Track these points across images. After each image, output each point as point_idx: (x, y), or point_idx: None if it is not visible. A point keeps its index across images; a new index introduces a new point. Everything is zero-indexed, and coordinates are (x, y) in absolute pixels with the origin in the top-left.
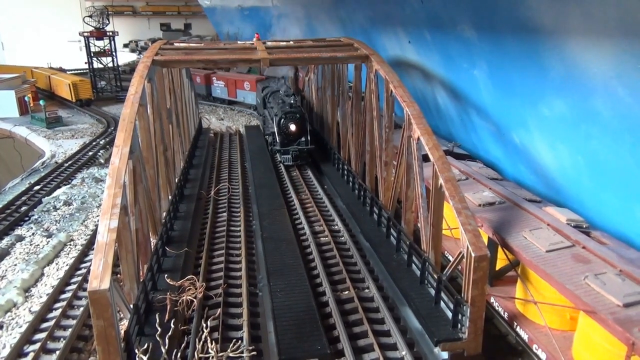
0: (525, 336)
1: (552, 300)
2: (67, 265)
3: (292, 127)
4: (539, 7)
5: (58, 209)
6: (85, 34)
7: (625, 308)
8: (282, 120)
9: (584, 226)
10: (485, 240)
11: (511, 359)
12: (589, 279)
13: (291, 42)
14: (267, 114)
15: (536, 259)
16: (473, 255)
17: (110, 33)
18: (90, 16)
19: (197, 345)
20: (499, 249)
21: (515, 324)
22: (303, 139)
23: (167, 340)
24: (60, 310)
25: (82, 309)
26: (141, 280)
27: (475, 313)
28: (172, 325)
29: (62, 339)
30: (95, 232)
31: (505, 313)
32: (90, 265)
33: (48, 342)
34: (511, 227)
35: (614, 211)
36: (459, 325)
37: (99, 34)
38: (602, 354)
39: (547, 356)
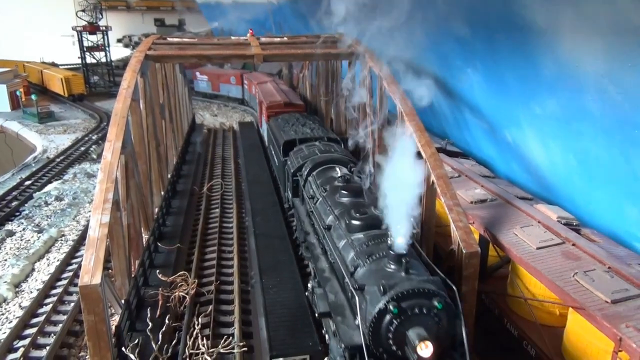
0: (515, 332)
1: (542, 297)
2: (58, 260)
3: (426, 354)
4: (532, 5)
5: (49, 204)
6: (78, 29)
7: (613, 304)
8: (396, 323)
9: (575, 224)
10: (477, 237)
11: (501, 355)
12: (578, 276)
13: (285, 38)
14: (316, 244)
15: (527, 256)
16: (464, 251)
17: (104, 28)
18: (84, 10)
19: (187, 342)
20: (490, 245)
21: (506, 320)
22: None
23: (158, 336)
24: (50, 305)
25: (72, 304)
26: (133, 275)
27: (466, 309)
28: (167, 322)
29: (52, 335)
30: (86, 227)
31: (496, 309)
32: (81, 261)
33: (38, 337)
34: (502, 224)
35: (604, 209)
36: None
37: (92, 28)
38: (591, 350)
39: (537, 352)
